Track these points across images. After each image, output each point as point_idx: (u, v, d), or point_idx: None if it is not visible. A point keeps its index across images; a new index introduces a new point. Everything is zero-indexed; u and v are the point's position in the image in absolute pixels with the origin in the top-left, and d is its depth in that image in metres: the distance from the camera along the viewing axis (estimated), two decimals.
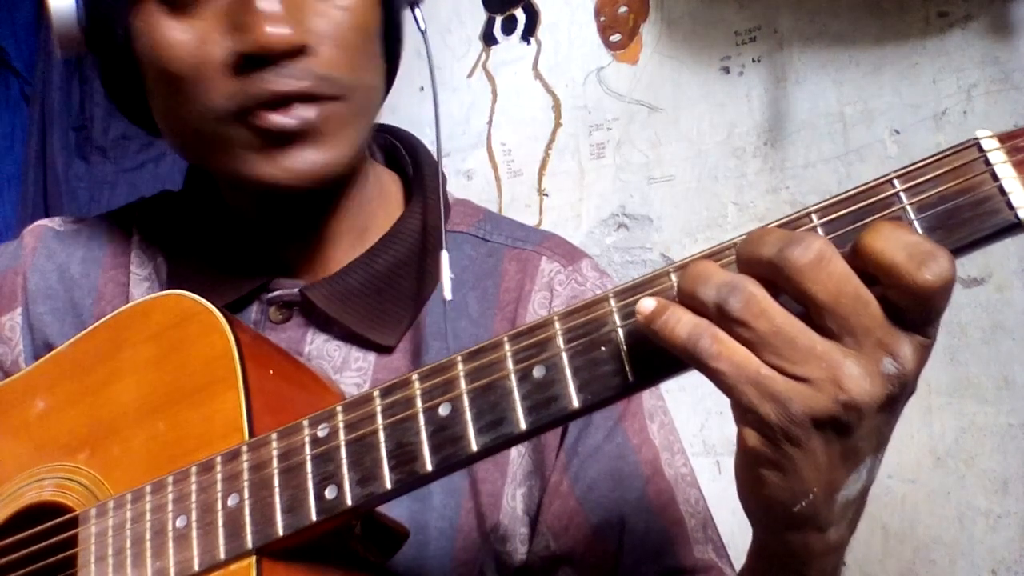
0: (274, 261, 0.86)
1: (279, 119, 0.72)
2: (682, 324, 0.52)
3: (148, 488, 0.68)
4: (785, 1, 1.56)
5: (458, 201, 0.95)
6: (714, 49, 1.64)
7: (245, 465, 0.64)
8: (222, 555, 0.63)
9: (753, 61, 1.60)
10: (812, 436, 0.50)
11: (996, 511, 1.33)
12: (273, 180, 0.75)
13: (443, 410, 0.59)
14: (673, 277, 0.55)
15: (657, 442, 0.85)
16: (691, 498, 0.84)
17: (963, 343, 1.36)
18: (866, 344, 0.49)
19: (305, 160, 0.74)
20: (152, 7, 0.75)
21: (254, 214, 0.85)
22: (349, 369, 0.82)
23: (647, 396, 0.87)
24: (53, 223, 0.95)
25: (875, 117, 1.46)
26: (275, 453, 0.63)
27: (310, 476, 0.62)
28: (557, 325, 0.57)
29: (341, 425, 0.62)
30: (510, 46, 1.91)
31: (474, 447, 0.58)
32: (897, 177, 0.52)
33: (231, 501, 0.64)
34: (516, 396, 0.57)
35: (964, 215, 0.50)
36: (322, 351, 0.83)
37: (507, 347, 0.58)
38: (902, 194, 0.51)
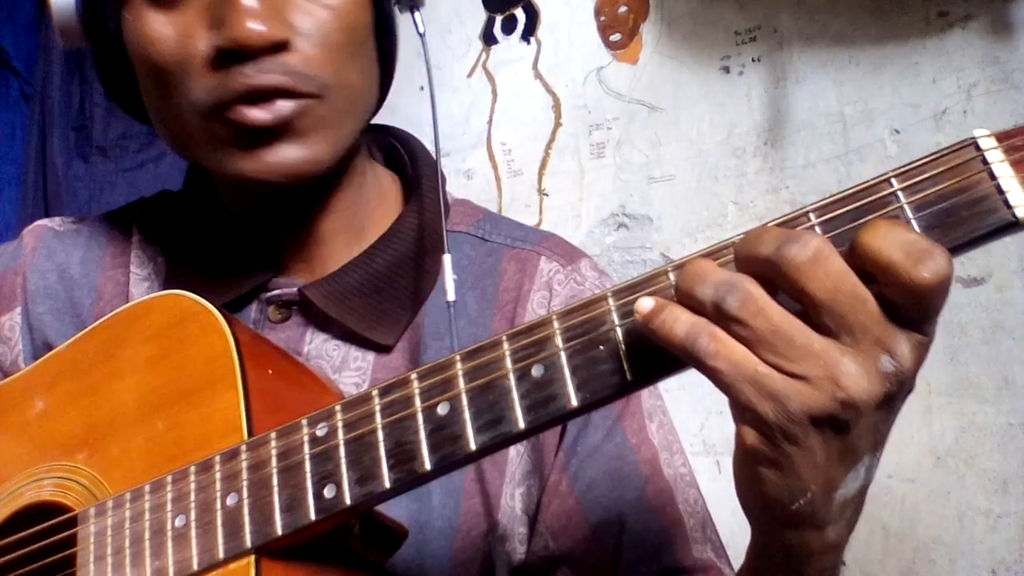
0: (273, 261, 0.86)
1: (253, 113, 0.73)
2: (680, 323, 0.52)
3: (147, 487, 0.68)
4: (785, 1, 1.56)
5: (457, 201, 0.95)
6: (714, 49, 1.64)
7: (244, 464, 0.64)
8: (221, 554, 0.63)
9: (753, 61, 1.60)
10: (810, 434, 0.50)
11: (996, 511, 1.33)
12: (250, 175, 0.75)
13: (442, 409, 0.59)
14: (671, 276, 0.55)
15: (656, 442, 0.85)
16: (690, 498, 0.84)
17: (963, 343, 1.36)
18: (864, 342, 0.49)
19: (281, 156, 0.74)
20: (139, 0, 0.76)
21: (252, 213, 0.86)
22: (348, 368, 0.83)
23: (646, 396, 0.87)
24: (53, 223, 0.95)
25: (875, 117, 1.46)
26: (274, 452, 0.63)
27: (309, 475, 0.62)
28: (555, 324, 0.57)
29: (340, 424, 0.62)
30: (510, 46, 1.91)
31: (473, 446, 0.58)
32: (895, 176, 0.52)
33: (230, 500, 0.64)
34: (515, 395, 0.57)
35: (961, 214, 0.50)
36: (321, 350, 0.83)
37: (506, 346, 0.58)
38: (900, 193, 0.51)
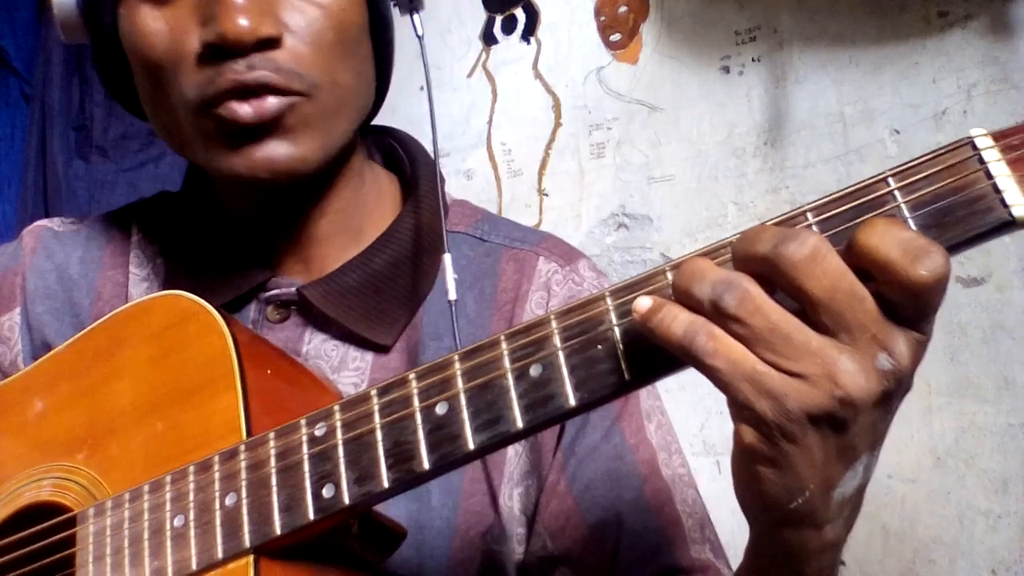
0: (271, 261, 0.86)
1: (241, 109, 0.73)
2: (678, 321, 0.52)
3: (146, 488, 0.68)
4: (785, 1, 1.56)
5: (456, 202, 0.95)
6: (714, 49, 1.64)
7: (243, 464, 0.64)
8: (220, 554, 0.63)
9: (753, 61, 1.60)
10: (808, 432, 0.50)
11: (996, 511, 1.32)
12: (238, 171, 0.76)
13: (440, 409, 0.59)
14: (669, 275, 0.55)
15: (654, 442, 0.85)
16: (688, 498, 0.84)
17: (963, 343, 1.36)
18: (861, 340, 0.49)
19: (268, 153, 0.75)
20: None
21: (249, 213, 0.86)
22: (347, 368, 0.83)
23: (644, 396, 0.87)
24: (52, 223, 0.95)
25: (875, 117, 1.46)
26: (272, 452, 0.64)
27: (307, 475, 0.62)
28: (554, 324, 0.57)
29: (338, 424, 0.62)
30: (510, 46, 1.91)
31: (471, 445, 0.58)
32: (892, 175, 0.52)
33: (229, 500, 0.64)
34: (513, 395, 0.57)
35: (958, 213, 0.50)
36: (320, 350, 0.83)
37: (504, 346, 0.58)
38: (896, 192, 0.52)
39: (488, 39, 1.94)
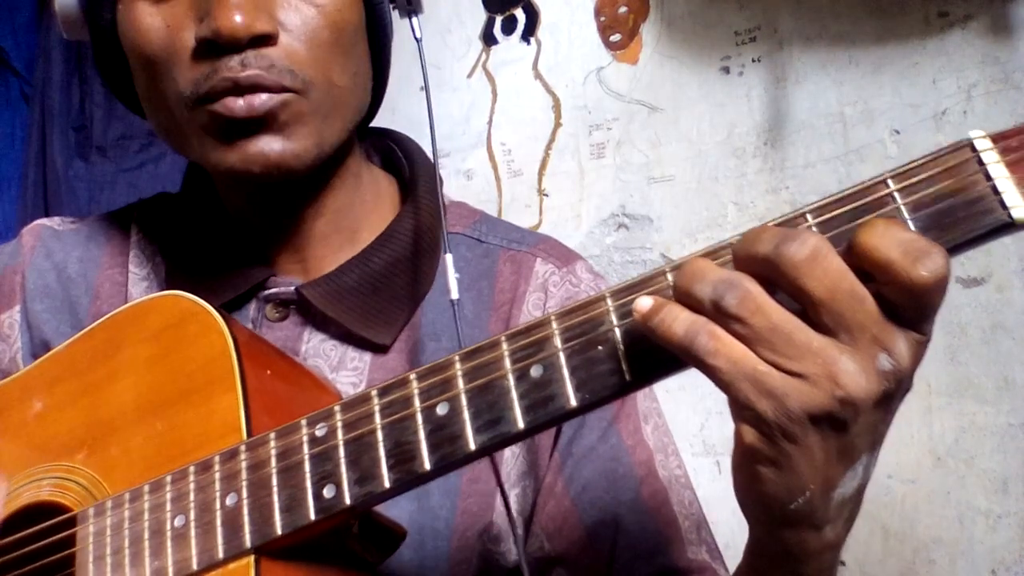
0: (269, 260, 0.86)
1: (232, 104, 0.73)
2: (679, 321, 0.52)
3: (146, 488, 0.68)
4: (785, 1, 1.56)
5: (454, 203, 0.96)
6: (714, 49, 1.64)
7: (243, 464, 0.64)
8: (220, 554, 0.63)
9: (753, 61, 1.60)
10: (809, 432, 0.50)
11: (996, 511, 1.33)
12: (230, 165, 0.76)
13: (441, 409, 0.59)
14: (669, 277, 0.55)
15: (651, 443, 0.85)
16: (685, 499, 0.84)
17: (963, 343, 1.36)
18: (862, 340, 0.49)
19: (260, 147, 0.75)
20: None
21: (247, 212, 0.86)
22: (345, 368, 0.83)
23: (641, 398, 0.87)
24: (52, 222, 0.95)
25: (875, 117, 1.46)
26: (273, 452, 0.64)
27: (308, 475, 0.62)
28: (554, 325, 0.57)
29: (339, 424, 0.62)
30: (510, 46, 1.91)
31: (472, 446, 0.58)
32: (891, 177, 0.52)
33: (229, 500, 0.64)
34: (514, 395, 0.57)
35: (958, 215, 0.50)
36: (319, 350, 0.83)
37: (504, 346, 0.58)
38: (896, 194, 0.52)
39: (488, 39, 1.94)
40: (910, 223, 0.51)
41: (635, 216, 1.72)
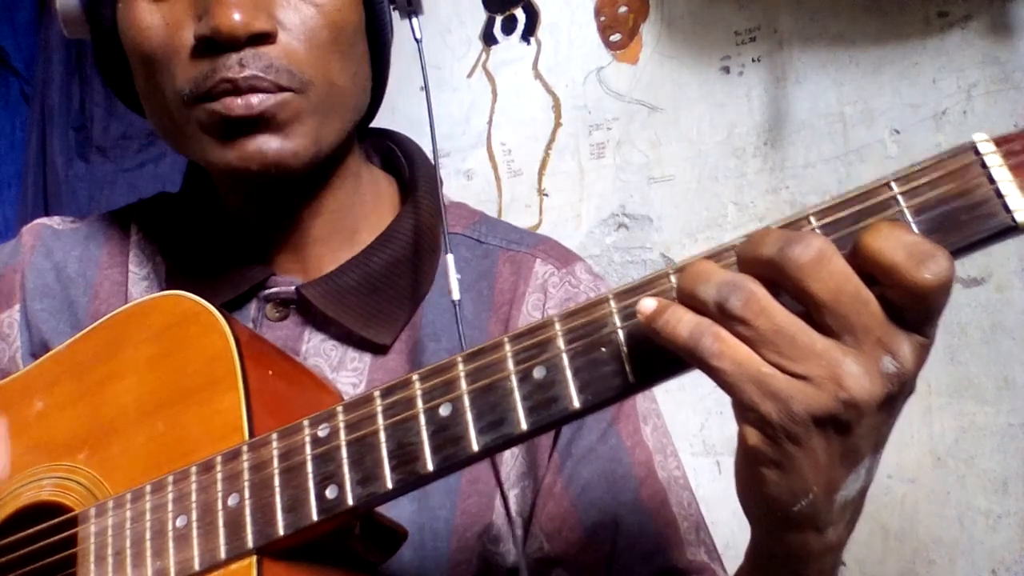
0: (268, 260, 0.86)
1: (231, 104, 0.74)
2: (683, 323, 0.52)
3: (148, 488, 0.68)
4: (785, 1, 1.56)
5: (453, 203, 0.96)
6: (714, 49, 1.64)
7: (245, 465, 0.64)
8: (223, 555, 0.63)
9: (753, 61, 1.60)
10: (812, 434, 0.50)
11: (996, 511, 1.33)
12: (228, 163, 0.76)
13: (444, 410, 0.59)
14: (672, 279, 0.55)
15: (650, 444, 0.85)
16: (684, 500, 0.84)
17: (963, 343, 1.36)
18: (866, 343, 0.49)
19: (256, 146, 0.75)
20: None
21: (247, 211, 0.86)
22: (345, 369, 0.83)
23: (640, 399, 0.88)
24: (52, 222, 0.95)
25: (875, 117, 1.46)
26: (275, 453, 0.64)
27: (311, 476, 0.62)
28: (557, 326, 0.57)
29: (342, 425, 0.62)
30: (510, 46, 1.91)
31: (475, 447, 0.58)
32: (895, 180, 0.52)
33: (231, 501, 0.64)
34: (517, 397, 0.57)
35: (961, 218, 0.50)
36: (319, 349, 0.83)
37: (508, 348, 0.58)
38: (900, 197, 0.52)
39: (488, 39, 1.94)
40: (914, 226, 0.51)
41: (635, 216, 1.72)
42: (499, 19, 1.93)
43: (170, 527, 0.66)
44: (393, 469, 0.60)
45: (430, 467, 0.59)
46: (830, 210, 0.53)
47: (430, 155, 0.90)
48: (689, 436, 1.61)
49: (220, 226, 0.88)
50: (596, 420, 0.84)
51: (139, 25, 0.77)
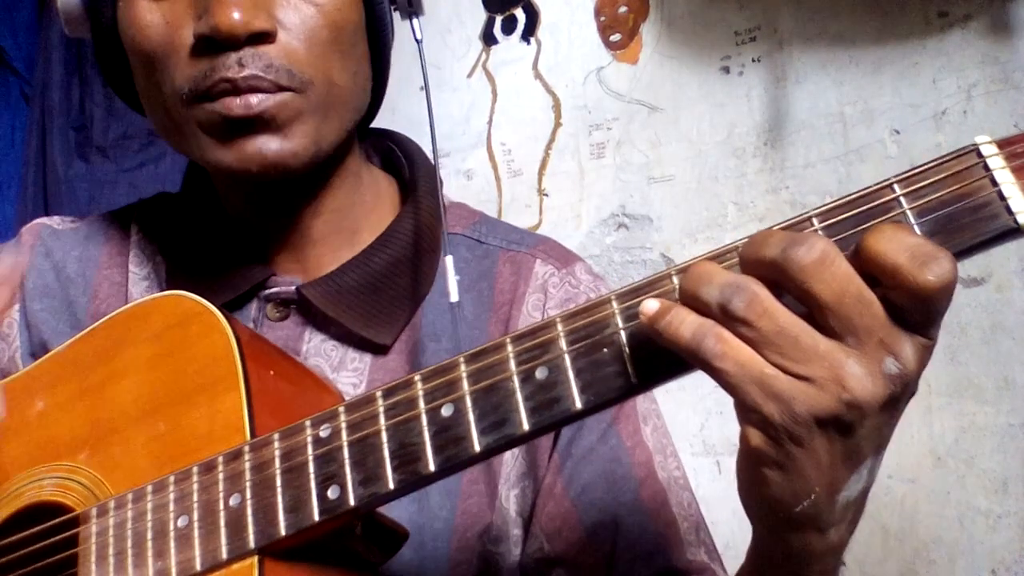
0: (268, 260, 0.86)
1: (230, 104, 0.74)
2: (686, 324, 0.52)
3: (149, 488, 0.68)
4: (785, 1, 1.56)
5: (454, 204, 0.96)
6: (714, 49, 1.65)
7: (247, 465, 0.64)
8: (224, 555, 0.63)
9: (753, 61, 1.60)
10: (815, 435, 0.50)
11: (996, 511, 1.33)
12: (227, 164, 0.76)
13: (446, 411, 0.59)
14: (675, 280, 0.55)
15: (650, 445, 0.85)
16: (684, 501, 0.84)
17: (963, 343, 1.37)
18: (868, 344, 0.50)
19: (257, 146, 0.75)
20: None
21: (246, 212, 0.86)
22: (346, 369, 0.83)
23: (640, 399, 0.88)
24: (51, 221, 0.95)
25: (875, 117, 1.46)
26: (277, 453, 0.64)
27: (312, 476, 0.62)
28: (560, 327, 0.57)
29: (343, 425, 0.62)
30: (510, 46, 1.91)
31: (477, 448, 0.58)
32: (897, 182, 0.52)
33: (233, 501, 0.64)
34: (519, 397, 0.57)
35: (963, 220, 0.51)
36: (319, 349, 0.83)
37: (510, 348, 0.58)
38: (902, 198, 0.52)
39: (488, 39, 1.94)
40: (916, 228, 0.51)
41: (635, 216, 1.72)
42: (499, 19, 1.93)
43: (171, 527, 0.66)
44: (395, 469, 0.60)
45: (432, 467, 0.59)
46: (833, 211, 0.53)
47: (430, 155, 0.90)
48: (689, 436, 1.61)
49: (220, 226, 0.88)
50: (596, 420, 0.84)
51: (139, 23, 0.77)
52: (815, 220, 0.53)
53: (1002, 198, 0.50)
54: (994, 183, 0.50)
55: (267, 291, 0.84)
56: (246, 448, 0.65)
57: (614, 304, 0.56)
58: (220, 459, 0.65)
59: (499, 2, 1.93)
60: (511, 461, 0.84)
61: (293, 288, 0.83)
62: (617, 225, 1.74)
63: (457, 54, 1.98)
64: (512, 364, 0.58)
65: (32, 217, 1.02)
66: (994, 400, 1.34)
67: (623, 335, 0.56)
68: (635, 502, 0.82)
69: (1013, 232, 0.50)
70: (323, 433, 0.63)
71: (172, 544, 0.65)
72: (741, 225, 1.59)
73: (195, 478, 0.66)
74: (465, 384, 0.59)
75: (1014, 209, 0.49)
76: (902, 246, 0.48)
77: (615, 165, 1.76)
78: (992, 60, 1.36)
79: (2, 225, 2.60)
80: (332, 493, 0.61)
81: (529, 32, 1.89)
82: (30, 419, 0.77)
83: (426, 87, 0.84)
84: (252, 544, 0.62)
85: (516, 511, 0.84)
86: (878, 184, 0.53)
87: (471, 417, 0.58)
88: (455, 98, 1.97)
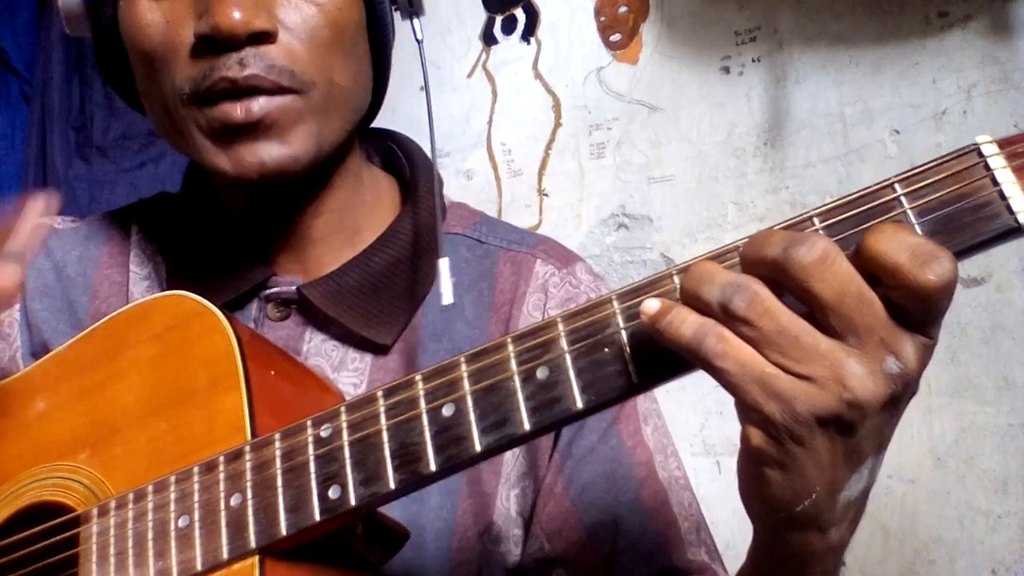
0: (269, 260, 0.86)
1: (230, 111, 0.74)
2: (687, 324, 0.52)
3: (150, 488, 0.68)
4: (785, 1, 1.56)
5: (454, 204, 0.96)
6: (714, 49, 1.65)
7: (248, 465, 0.64)
8: (225, 555, 0.63)
9: (753, 61, 1.60)
10: (816, 435, 0.50)
11: (996, 511, 1.33)
12: (223, 169, 0.76)
13: (447, 411, 0.59)
14: (676, 279, 0.55)
15: (651, 444, 0.85)
16: (684, 500, 0.84)
17: (963, 343, 1.37)
18: (869, 343, 0.50)
19: (257, 154, 0.75)
20: None
21: (246, 212, 0.86)
22: (346, 369, 0.83)
23: (641, 399, 0.88)
24: (53, 221, 0.95)
25: (875, 117, 1.46)
26: (278, 453, 0.64)
27: (313, 476, 0.62)
28: (561, 327, 0.57)
29: (344, 425, 0.62)
30: (510, 46, 1.91)
31: (478, 447, 0.58)
32: (898, 181, 0.52)
33: (234, 501, 0.64)
34: (520, 397, 0.57)
35: (964, 219, 0.51)
36: (320, 349, 0.83)
37: (511, 348, 0.58)
38: (903, 198, 0.52)
39: (488, 39, 1.94)
40: (917, 227, 0.51)
41: (635, 216, 1.72)
42: (499, 19, 1.93)
43: (172, 527, 0.66)
44: (396, 469, 0.60)
45: (433, 467, 0.59)
46: (834, 211, 0.53)
47: (430, 155, 0.90)
48: (689, 436, 1.61)
49: (221, 226, 0.88)
50: (597, 420, 0.84)
51: (139, 22, 0.77)
52: (816, 220, 0.53)
53: (1003, 198, 0.50)
54: (995, 183, 0.50)
55: (268, 291, 0.84)
56: (247, 448, 0.65)
57: (615, 304, 0.56)
58: (221, 459, 0.65)
59: (499, 2, 1.93)
60: (511, 461, 0.84)
61: (294, 288, 0.83)
62: (617, 225, 1.74)
63: (457, 54, 1.98)
64: (513, 364, 0.58)
65: None
66: (994, 400, 1.34)
67: (624, 335, 0.56)
68: (635, 502, 0.82)
69: (1014, 232, 0.50)
70: (324, 433, 0.63)
71: (173, 544, 0.65)
72: (741, 225, 1.59)
73: (196, 478, 0.66)
74: (466, 384, 0.59)
75: (1015, 209, 0.49)
76: (903, 246, 0.48)
77: (615, 165, 1.76)
78: (992, 60, 1.36)
79: None
80: (333, 493, 0.61)
81: (529, 32, 1.89)
82: (31, 419, 0.77)
83: (426, 87, 0.84)
84: (253, 544, 0.62)
85: (516, 511, 0.84)
86: (879, 184, 0.53)
87: (472, 417, 0.58)
88: (455, 98, 1.97)
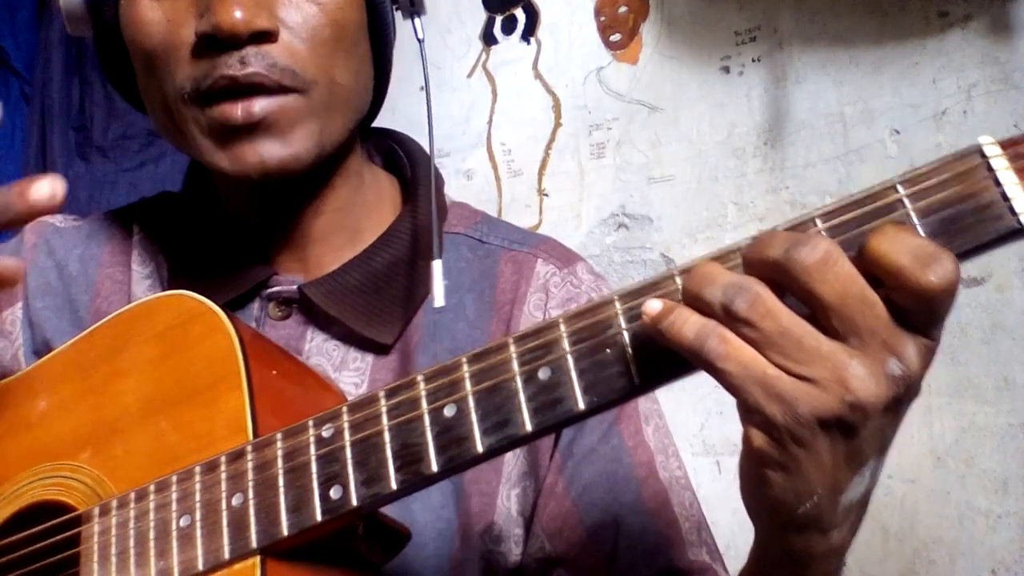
0: (270, 259, 0.86)
1: (228, 110, 0.74)
2: (689, 325, 0.52)
3: (151, 487, 0.68)
4: (785, 1, 1.56)
5: (455, 204, 0.96)
6: (714, 49, 1.65)
7: (250, 465, 0.64)
8: (226, 554, 0.63)
9: (753, 61, 1.60)
10: (818, 437, 0.50)
11: (996, 511, 1.33)
12: (223, 168, 0.77)
13: (448, 411, 0.59)
14: (678, 281, 0.55)
15: (652, 444, 0.85)
16: (685, 501, 0.84)
17: (963, 343, 1.37)
18: (871, 345, 0.50)
19: (258, 153, 0.75)
20: None
21: (247, 211, 0.86)
22: (347, 369, 0.83)
23: (642, 399, 0.87)
24: (54, 220, 0.95)
25: (875, 117, 1.46)
26: (280, 453, 0.64)
27: (315, 476, 0.62)
28: (562, 327, 0.57)
29: (346, 426, 0.62)
30: (510, 46, 1.91)
31: (479, 448, 0.58)
32: (901, 182, 0.52)
33: (235, 501, 0.64)
34: (521, 397, 0.57)
35: (967, 221, 0.50)
36: (321, 349, 0.83)
37: (512, 349, 0.58)
38: (906, 199, 0.52)
39: (488, 39, 1.94)
40: (919, 229, 0.51)
41: (635, 216, 1.72)
42: (499, 19, 1.93)
43: (174, 527, 0.66)
44: (397, 470, 0.60)
45: (434, 468, 0.59)
46: (836, 212, 0.53)
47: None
48: (689, 436, 1.61)
49: (222, 225, 0.88)
50: (598, 420, 0.84)
51: (140, 21, 0.77)
52: (818, 220, 0.53)
53: (1005, 199, 0.50)
54: (997, 184, 0.50)
55: (269, 290, 0.84)
56: (249, 448, 0.65)
57: (617, 304, 0.56)
58: (223, 459, 0.66)
59: (499, 2, 1.93)
60: (512, 461, 0.84)
61: (295, 287, 0.83)
62: (617, 225, 1.74)
63: (457, 54, 1.98)
64: (515, 364, 0.58)
65: None
66: (994, 400, 1.34)
67: (626, 335, 0.56)
68: (636, 502, 0.82)
69: (1016, 233, 0.50)
70: (326, 433, 0.63)
71: (174, 544, 0.65)
72: (741, 225, 1.59)
73: (198, 478, 0.66)
74: (468, 384, 0.59)
75: (1017, 210, 0.49)
76: (905, 247, 0.48)
77: (615, 165, 1.76)
78: (992, 60, 1.36)
79: None
80: (335, 493, 0.61)
81: (529, 32, 1.89)
82: (33, 418, 0.77)
83: (426, 87, 0.84)
84: (254, 544, 0.62)
85: (517, 511, 0.84)
86: (881, 185, 0.52)
87: (474, 417, 0.58)
88: (455, 98, 1.97)
